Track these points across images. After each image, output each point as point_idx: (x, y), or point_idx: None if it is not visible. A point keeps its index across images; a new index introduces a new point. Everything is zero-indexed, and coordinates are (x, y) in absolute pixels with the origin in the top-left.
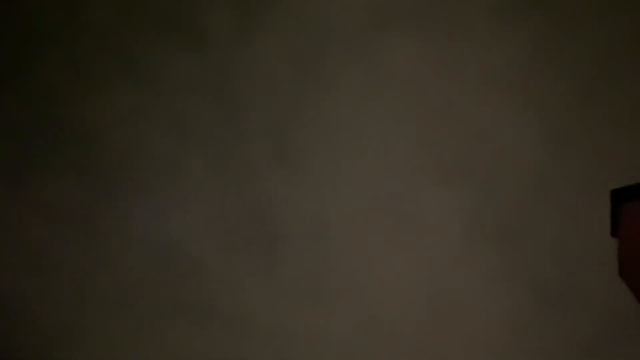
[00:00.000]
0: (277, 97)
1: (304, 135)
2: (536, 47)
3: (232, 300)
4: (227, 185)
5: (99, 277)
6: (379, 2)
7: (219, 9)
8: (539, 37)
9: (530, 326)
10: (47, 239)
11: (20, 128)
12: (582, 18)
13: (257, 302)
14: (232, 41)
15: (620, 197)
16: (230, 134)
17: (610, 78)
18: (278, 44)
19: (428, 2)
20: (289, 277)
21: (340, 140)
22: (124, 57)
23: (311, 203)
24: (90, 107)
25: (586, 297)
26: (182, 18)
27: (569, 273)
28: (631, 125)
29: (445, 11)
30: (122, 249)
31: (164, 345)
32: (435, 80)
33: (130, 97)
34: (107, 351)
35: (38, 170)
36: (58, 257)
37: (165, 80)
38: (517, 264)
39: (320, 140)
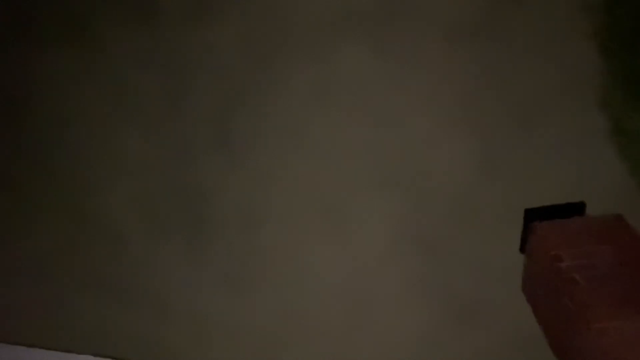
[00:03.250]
0: (224, 84)
1: (248, 125)
2: (481, 72)
3: (154, 279)
4: (162, 163)
5: (13, 243)
6: (338, 7)
7: None
8: (485, 63)
9: (440, 335)
10: None
11: None
12: (528, 51)
13: (179, 284)
14: (186, 20)
15: (531, 216)
16: (172, 113)
17: (548, 110)
18: (233, 31)
19: (385, 15)
20: (214, 263)
21: (283, 135)
22: (69, 18)
23: (246, 193)
24: (27, 66)
25: (495, 312)
26: None
27: (482, 288)
28: (563, 157)
29: (400, 26)
30: (42, 216)
31: (80, 318)
32: (383, 90)
33: (68, 60)
34: (20, 323)
35: None
36: None
37: (110, 48)
38: (435, 275)
39: (262, 132)
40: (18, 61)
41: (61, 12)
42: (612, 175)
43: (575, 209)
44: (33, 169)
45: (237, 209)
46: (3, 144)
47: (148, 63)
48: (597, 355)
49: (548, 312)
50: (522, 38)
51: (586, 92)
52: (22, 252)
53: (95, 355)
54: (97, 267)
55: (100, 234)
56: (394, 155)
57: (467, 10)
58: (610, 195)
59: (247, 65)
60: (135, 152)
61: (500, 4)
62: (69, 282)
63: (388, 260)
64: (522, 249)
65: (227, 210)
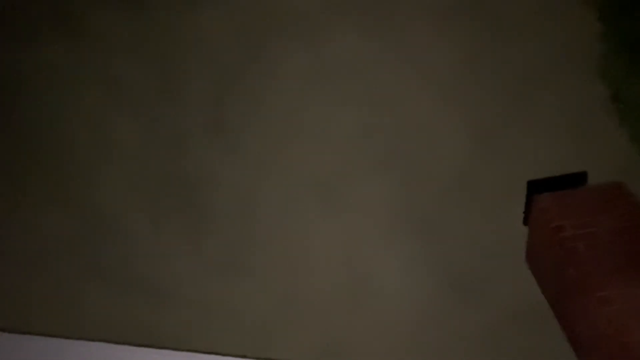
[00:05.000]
0: (217, 70)
1: (243, 112)
2: (472, 49)
3: (154, 268)
4: (157, 153)
5: (18, 236)
6: None
7: None
8: (475, 41)
9: (441, 313)
10: None
11: None
12: (521, 33)
13: (178, 272)
14: (177, 7)
15: (534, 189)
16: (165, 101)
17: (545, 81)
18: (224, 17)
19: None
20: (213, 250)
21: (277, 120)
22: (59, 10)
23: (242, 179)
24: (18, 60)
25: (498, 287)
26: None
27: (481, 264)
28: (562, 127)
29: (388, 9)
30: (44, 208)
31: (83, 308)
32: (375, 73)
33: (62, 54)
34: (22, 311)
35: None
36: None
37: (102, 37)
38: (435, 255)
39: (258, 118)
40: (10, 54)
41: (52, 3)
42: (613, 142)
43: (577, 179)
44: (31, 162)
45: (233, 195)
46: (0, 138)
47: (140, 52)
48: (601, 323)
49: (552, 282)
50: (515, 8)
51: (584, 61)
52: (25, 244)
53: (95, 340)
54: (97, 257)
55: (100, 225)
56: (389, 136)
57: None
58: (611, 162)
59: (239, 52)
60: (131, 142)
61: None
62: (70, 272)
63: (386, 241)
64: (525, 221)
65: (224, 197)
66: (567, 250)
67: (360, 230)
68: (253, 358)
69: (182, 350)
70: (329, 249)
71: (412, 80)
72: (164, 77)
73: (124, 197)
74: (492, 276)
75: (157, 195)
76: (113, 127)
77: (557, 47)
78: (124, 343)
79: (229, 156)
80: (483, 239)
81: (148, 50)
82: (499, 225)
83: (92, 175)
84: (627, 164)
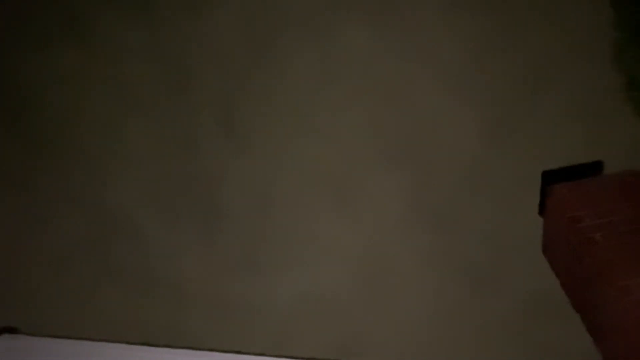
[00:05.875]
0: (227, 71)
1: (253, 111)
2: (484, 43)
3: (170, 268)
4: (170, 154)
5: (33, 239)
6: None
7: None
8: (486, 31)
9: (456, 306)
10: None
11: None
12: (531, 21)
13: (195, 271)
14: (184, 10)
15: (549, 179)
16: (176, 104)
17: (551, 80)
18: (231, 18)
19: None
20: (228, 249)
21: (289, 118)
22: (68, 15)
23: (255, 177)
24: (29, 65)
25: (513, 279)
26: None
27: (499, 257)
28: (566, 124)
29: (397, 1)
30: (59, 211)
31: (99, 309)
32: (385, 67)
33: (72, 58)
34: (40, 313)
35: None
36: None
37: (110, 43)
38: (449, 248)
39: (268, 117)
40: (22, 62)
41: (61, 11)
42: (628, 131)
43: (592, 169)
44: (44, 165)
45: (246, 193)
46: (14, 144)
47: (150, 53)
48: (621, 313)
49: (570, 273)
50: (525, 7)
51: (598, 48)
52: (42, 247)
53: (111, 341)
54: (114, 258)
55: (115, 226)
56: (400, 131)
57: None
58: (627, 152)
59: (248, 51)
60: (143, 142)
61: None
62: (84, 273)
63: (401, 235)
64: (541, 212)
65: (236, 195)
66: (584, 241)
67: (374, 225)
68: (271, 356)
69: (199, 349)
70: (343, 245)
71: (422, 73)
72: (174, 78)
73: (138, 197)
74: (508, 268)
75: (170, 195)
76: (124, 128)
77: (570, 35)
78: (140, 344)
79: (241, 154)
80: (498, 231)
81: (157, 51)
82: (513, 217)
83: (105, 176)
84: None
